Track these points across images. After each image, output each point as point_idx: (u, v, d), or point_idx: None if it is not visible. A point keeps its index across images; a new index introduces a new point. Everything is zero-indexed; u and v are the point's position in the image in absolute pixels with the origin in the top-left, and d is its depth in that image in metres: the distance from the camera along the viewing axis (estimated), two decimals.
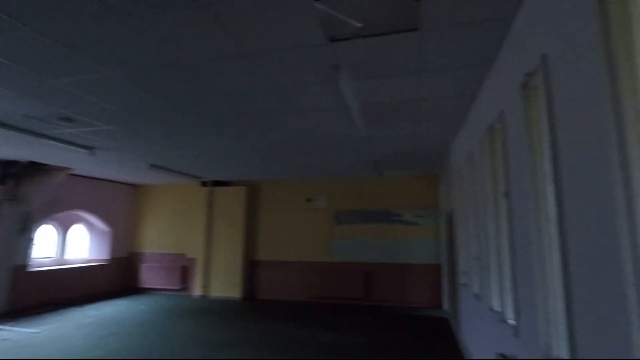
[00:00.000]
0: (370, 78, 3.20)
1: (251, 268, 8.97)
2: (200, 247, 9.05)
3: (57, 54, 2.76)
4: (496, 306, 3.11)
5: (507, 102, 2.53)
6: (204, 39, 2.54)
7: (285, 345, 5.13)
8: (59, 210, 8.02)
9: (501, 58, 2.66)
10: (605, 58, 1.24)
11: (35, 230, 7.48)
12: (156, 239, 9.77)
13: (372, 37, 2.52)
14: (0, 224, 6.81)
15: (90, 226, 9.31)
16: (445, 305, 7.37)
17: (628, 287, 1.16)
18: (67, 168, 7.37)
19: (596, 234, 1.38)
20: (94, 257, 9.22)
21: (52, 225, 8.48)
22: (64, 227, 8.73)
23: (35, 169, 7.09)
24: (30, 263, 7.35)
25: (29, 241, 7.33)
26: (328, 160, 6.62)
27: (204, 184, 9.27)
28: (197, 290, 8.90)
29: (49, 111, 4.02)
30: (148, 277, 9.46)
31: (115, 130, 4.78)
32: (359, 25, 2.37)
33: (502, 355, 2.65)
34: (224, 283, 8.78)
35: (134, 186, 10.09)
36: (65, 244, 8.71)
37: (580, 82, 1.45)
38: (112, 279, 9.25)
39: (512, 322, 2.60)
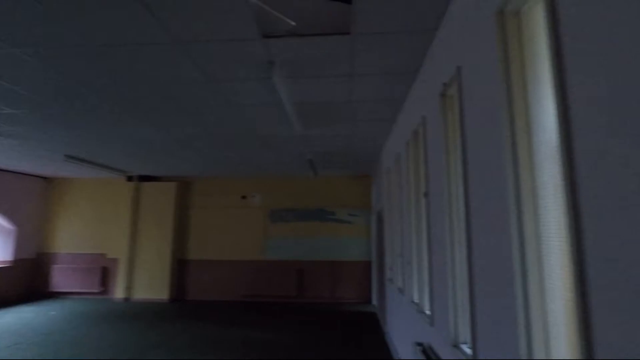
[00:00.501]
0: (304, 77, 3.24)
1: (180, 268, 8.57)
2: (123, 246, 8.42)
3: None
4: (416, 298, 3.33)
5: (428, 109, 2.72)
6: (130, 22, 2.38)
7: (215, 346, 4.99)
8: None
9: (424, 67, 2.85)
10: (503, 73, 1.39)
11: None
12: (71, 238, 8.88)
13: (305, 37, 2.56)
14: None
15: None
16: (374, 300, 7.72)
17: (516, 279, 1.33)
18: None
19: (493, 231, 1.55)
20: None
21: None
22: None
23: None
24: None
25: None
26: (263, 157, 6.57)
27: (129, 178, 8.64)
28: (119, 293, 8.27)
29: None
30: (61, 280, 8.55)
31: (23, 115, 4.25)
32: (292, 23, 2.39)
33: (419, 343, 2.85)
34: (150, 284, 8.27)
35: (45, 179, 9.06)
36: None
37: (485, 93, 1.62)
38: (16, 282, 8.22)
39: (428, 312, 2.81)
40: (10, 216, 8.10)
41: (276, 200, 8.65)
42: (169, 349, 4.85)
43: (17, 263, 8.26)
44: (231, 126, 4.68)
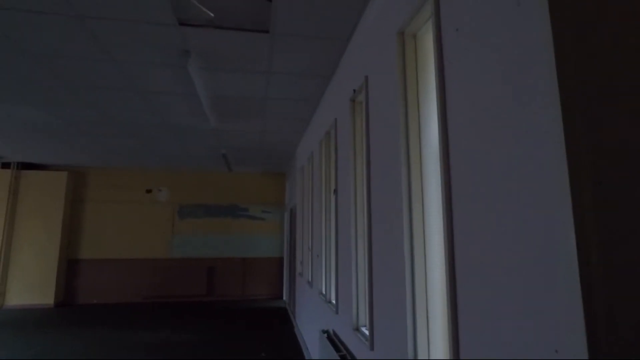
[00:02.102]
0: (221, 70, 3.19)
1: (70, 268, 7.64)
2: None
3: None
4: (323, 290, 3.53)
5: (340, 112, 2.91)
6: None
7: (111, 350, 4.59)
8: None
9: (338, 73, 3.05)
10: (401, 85, 1.60)
11: None
12: None
13: (223, 30, 2.54)
14: None
15: None
16: (285, 295, 7.86)
17: (405, 272, 1.54)
18: None
19: (388, 226, 1.76)
20: None
21: None
22: None
23: None
24: None
25: None
26: (173, 149, 6.22)
27: (5, 165, 7.40)
28: None
29: None
30: None
31: None
32: (210, 14, 2.36)
33: (325, 330, 3.04)
34: (29, 288, 7.19)
35: None
36: None
37: (386, 102, 1.82)
38: None
39: (334, 302, 3.02)
40: None
41: (186, 195, 8.25)
42: (56, 357, 4.32)
43: None
44: (137, 113, 4.35)
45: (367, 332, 2.13)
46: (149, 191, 8.11)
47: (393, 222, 1.70)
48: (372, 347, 1.93)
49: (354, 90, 2.38)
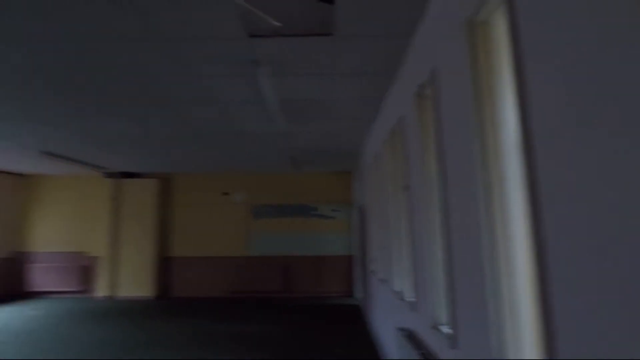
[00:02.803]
0: (288, 75, 3.33)
1: (165, 265, 8.53)
2: (104, 244, 8.31)
3: None
4: (398, 287, 3.50)
5: (405, 108, 2.87)
6: (110, 16, 2.41)
7: (203, 340, 5.05)
8: None
9: (402, 69, 3.00)
10: (472, 76, 1.54)
11: None
12: (49, 236, 8.69)
13: (290, 37, 2.65)
14: None
15: None
16: (357, 293, 7.91)
17: (486, 269, 1.48)
18: None
19: (465, 220, 1.71)
20: None
21: None
22: None
23: None
24: None
25: None
26: (245, 154, 6.61)
27: (109, 175, 8.51)
28: (101, 291, 8.18)
29: None
30: (39, 279, 8.38)
31: None
32: (277, 24, 2.48)
33: (402, 328, 3.02)
34: (134, 282, 8.20)
35: (20, 176, 8.82)
36: None
37: (456, 94, 1.76)
38: None
39: (410, 299, 2.98)
40: None
41: (259, 197, 8.71)
42: (158, 345, 4.89)
43: None
44: (213, 122, 4.72)
45: (447, 330, 2.08)
46: (225, 194, 8.73)
47: (471, 217, 1.64)
48: (453, 346, 1.89)
49: (420, 85, 2.33)
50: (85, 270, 8.44)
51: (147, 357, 4.40)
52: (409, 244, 2.93)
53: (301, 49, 2.82)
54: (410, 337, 2.75)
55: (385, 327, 4.18)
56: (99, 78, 3.34)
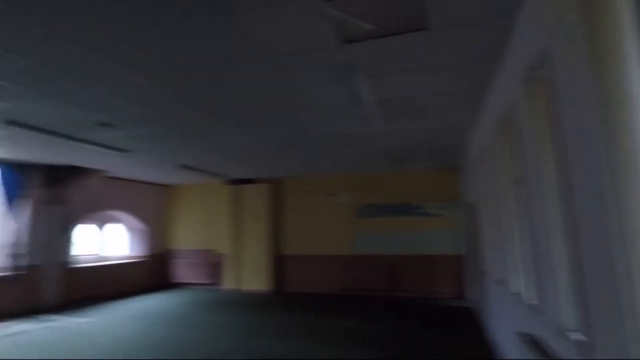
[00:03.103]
0: (384, 75, 3.36)
1: (279, 262, 9.29)
2: (228, 243, 9.45)
3: (92, 63, 3.06)
4: (514, 289, 3.22)
5: (514, 95, 2.63)
6: (223, 44, 2.78)
7: (314, 332, 5.38)
8: (98, 211, 8.58)
9: (507, 53, 2.76)
10: (592, 52, 1.37)
11: (74, 230, 8.02)
12: (187, 236, 10.25)
13: (383, 38, 2.68)
14: (46, 225, 7.38)
15: (127, 225, 9.88)
16: (469, 294, 7.43)
17: (618, 270, 1.31)
18: (103, 170, 7.87)
19: (593, 215, 1.52)
20: (133, 254, 9.79)
21: (92, 224, 9.07)
22: (104, 226, 9.32)
23: (75, 172, 7.61)
24: (72, 260, 7.91)
25: (69, 240, 7.88)
26: (347, 155, 6.80)
27: (229, 182, 9.64)
28: (228, 284, 9.31)
29: (89, 117, 4.38)
30: (182, 272, 9.97)
31: (146, 133, 5.13)
32: (370, 27, 2.54)
33: (524, 333, 2.77)
34: (253, 277, 9.15)
35: (164, 186, 10.60)
36: (105, 242, 9.30)
37: (575, 76, 1.58)
38: (149, 274, 9.78)
39: (530, 302, 2.72)
40: (142, 218, 9.69)
41: (362, 196, 8.85)
42: (276, 334, 5.38)
43: (149, 258, 9.84)
44: (316, 128, 5.00)
45: (577, 337, 1.86)
46: (330, 195, 9.09)
47: (599, 208, 1.46)
48: (587, 355, 1.68)
49: (530, 68, 2.13)
50: (215, 266, 9.71)
51: (267, 344, 4.88)
52: (526, 241, 2.68)
53: (396, 47, 2.83)
54: (533, 343, 2.51)
55: (503, 331, 3.87)
56: (223, 99, 3.86)
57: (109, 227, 9.46)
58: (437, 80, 3.47)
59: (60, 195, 7.57)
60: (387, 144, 5.95)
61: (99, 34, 2.56)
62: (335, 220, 8.98)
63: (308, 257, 9.09)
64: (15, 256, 6.74)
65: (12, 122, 4.40)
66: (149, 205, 9.97)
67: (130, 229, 9.92)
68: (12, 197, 6.77)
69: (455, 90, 3.71)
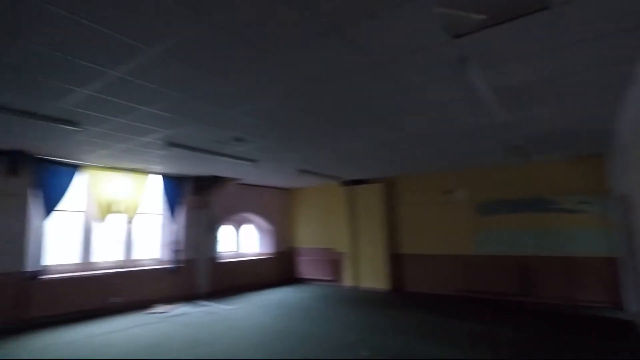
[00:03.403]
0: (501, 64, 3.14)
1: (396, 261, 9.27)
2: (346, 242, 9.84)
3: (230, 91, 3.61)
4: None
5: None
6: (336, 58, 2.98)
7: (436, 333, 5.26)
8: (233, 213, 9.90)
9: None
10: None
11: (218, 230, 9.42)
12: (308, 235, 11.03)
13: (497, 26, 2.53)
14: (197, 226, 8.85)
15: (257, 225, 11.16)
16: (630, 305, 6.22)
17: None
18: (237, 179, 9.06)
19: None
20: (262, 251, 11.01)
21: (230, 225, 10.51)
22: (239, 227, 10.73)
23: (215, 181, 8.94)
24: (218, 256, 9.30)
25: (215, 238, 9.29)
26: (464, 150, 6.43)
27: (343, 183, 10.03)
28: (348, 281, 9.70)
29: (226, 135, 5.15)
30: (305, 268, 10.78)
31: (271, 145, 5.75)
32: (483, 17, 2.43)
33: None
34: (371, 275, 9.33)
35: (286, 190, 11.61)
36: (240, 240, 10.69)
37: None
38: (277, 269, 10.84)
39: None
40: (269, 219, 10.81)
41: (483, 192, 8.21)
42: (397, 332, 5.43)
43: (276, 255, 10.91)
44: (427, 126, 4.89)
45: None
46: (447, 192, 8.68)
47: None
48: None
49: None
50: (335, 263, 10.21)
51: (388, 340, 4.96)
52: None
53: (511, 33, 2.64)
54: None
55: None
56: (338, 108, 4.12)
57: (243, 227, 10.83)
58: (565, 60, 3.08)
59: (206, 201, 8.99)
60: (510, 135, 5.45)
61: (236, 68, 3.04)
62: (453, 219, 8.53)
63: (425, 257, 8.85)
64: (176, 252, 8.27)
65: (172, 144, 5.46)
66: (274, 207, 11.06)
67: (260, 229, 11.15)
68: (172, 204, 8.33)
69: (591, 67, 3.22)
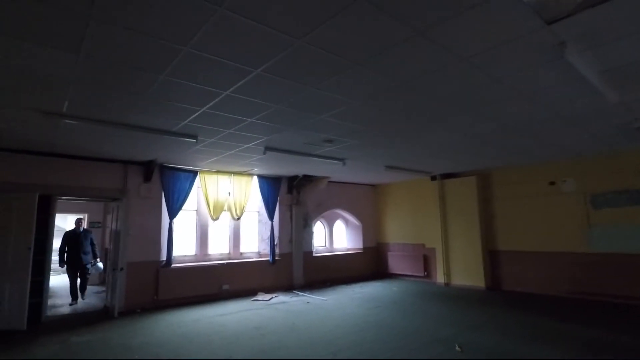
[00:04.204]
0: (604, 44, 2.89)
1: (492, 258, 8.79)
2: (437, 237, 9.62)
3: (321, 99, 3.93)
4: None
5: None
6: (426, 58, 3.07)
7: (541, 334, 4.95)
8: (324, 210, 10.39)
9: None
10: None
11: (313, 226, 10.01)
12: (396, 231, 11.03)
13: (597, 6, 2.38)
14: (292, 222, 9.54)
15: (346, 221, 11.54)
16: None
17: None
18: (327, 177, 9.51)
19: None
20: (351, 246, 11.36)
21: (322, 221, 11.06)
22: (329, 223, 11.23)
23: (307, 180, 9.52)
24: (312, 250, 9.89)
25: (310, 234, 9.89)
26: (571, 138, 5.85)
27: (433, 178, 9.80)
28: (439, 278, 9.49)
29: (317, 137, 5.53)
30: (394, 264, 10.81)
31: (359, 144, 5.99)
32: (578, 1, 2.32)
33: None
34: (465, 272, 8.99)
35: (373, 186, 11.76)
36: (332, 236, 11.18)
37: None
38: (366, 264, 11.09)
39: None
40: (357, 215, 11.10)
41: (596, 183, 7.31)
42: (495, 330, 5.24)
43: (365, 250, 11.15)
44: (526, 113, 4.62)
45: None
46: (552, 183, 7.93)
47: None
48: None
49: None
50: (425, 259, 10.06)
51: (486, 338, 4.83)
52: None
53: (615, 11, 2.44)
54: None
55: None
56: (420, 106, 4.18)
57: (334, 223, 11.30)
58: None
59: (299, 198, 9.64)
60: (627, 117, 4.83)
61: (329, 77, 3.34)
62: (560, 212, 7.76)
63: (526, 254, 8.21)
64: (273, 246, 9.03)
65: (269, 149, 6.05)
66: (362, 203, 11.31)
67: (349, 224, 11.50)
68: (268, 202, 9.11)
69: None
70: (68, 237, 7.49)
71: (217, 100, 3.90)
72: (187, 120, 4.56)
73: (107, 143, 5.79)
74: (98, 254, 8.08)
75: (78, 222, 7.73)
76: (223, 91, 3.67)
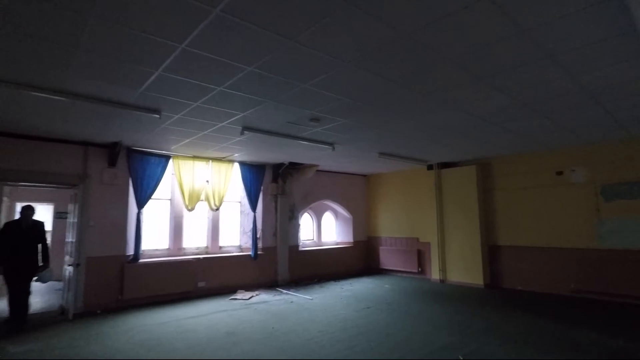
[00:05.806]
0: None
1: (492, 254, 8.18)
2: (432, 231, 8.97)
3: (303, 57, 3.16)
4: None
5: None
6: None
7: (551, 343, 4.32)
8: (312, 201, 9.66)
9: None
10: None
11: (300, 218, 9.28)
12: (389, 224, 10.36)
13: None
14: (277, 213, 8.79)
15: (336, 214, 10.83)
16: None
17: None
18: (315, 165, 8.76)
19: None
20: (341, 240, 10.67)
21: (309, 213, 10.33)
22: (317, 215, 10.51)
23: (293, 168, 8.76)
24: (298, 244, 9.17)
25: (297, 226, 9.16)
26: (588, 119, 5.20)
27: (429, 167, 9.13)
28: (434, 274, 8.87)
29: (301, 114, 4.77)
30: (386, 259, 10.15)
31: (350, 124, 5.25)
32: None
33: None
34: (462, 268, 8.37)
35: (364, 176, 11.05)
36: (320, 229, 10.47)
37: None
38: (356, 259, 10.42)
39: None
40: (347, 207, 10.39)
41: (610, 172, 6.69)
42: (498, 336, 4.61)
43: (356, 244, 10.48)
44: (542, 87, 3.92)
45: None
46: (559, 173, 7.30)
47: None
48: None
49: None
50: (419, 254, 9.42)
51: (490, 346, 4.18)
52: None
53: None
54: None
55: None
56: (432, 68, 3.44)
57: (322, 216, 10.58)
58: None
59: (285, 188, 8.88)
60: None
61: (315, 28, 2.58)
62: (568, 205, 7.14)
63: (529, 249, 7.60)
64: (255, 240, 8.27)
65: (247, 128, 5.28)
66: (352, 194, 10.59)
67: (338, 217, 10.80)
68: (251, 192, 8.34)
69: None
70: (8, 230, 5.28)
71: (172, 57, 3.11)
72: (143, 87, 3.76)
73: (59, 120, 4.96)
74: (50, 256, 5.66)
75: (25, 211, 5.39)
76: (178, 44, 2.88)
